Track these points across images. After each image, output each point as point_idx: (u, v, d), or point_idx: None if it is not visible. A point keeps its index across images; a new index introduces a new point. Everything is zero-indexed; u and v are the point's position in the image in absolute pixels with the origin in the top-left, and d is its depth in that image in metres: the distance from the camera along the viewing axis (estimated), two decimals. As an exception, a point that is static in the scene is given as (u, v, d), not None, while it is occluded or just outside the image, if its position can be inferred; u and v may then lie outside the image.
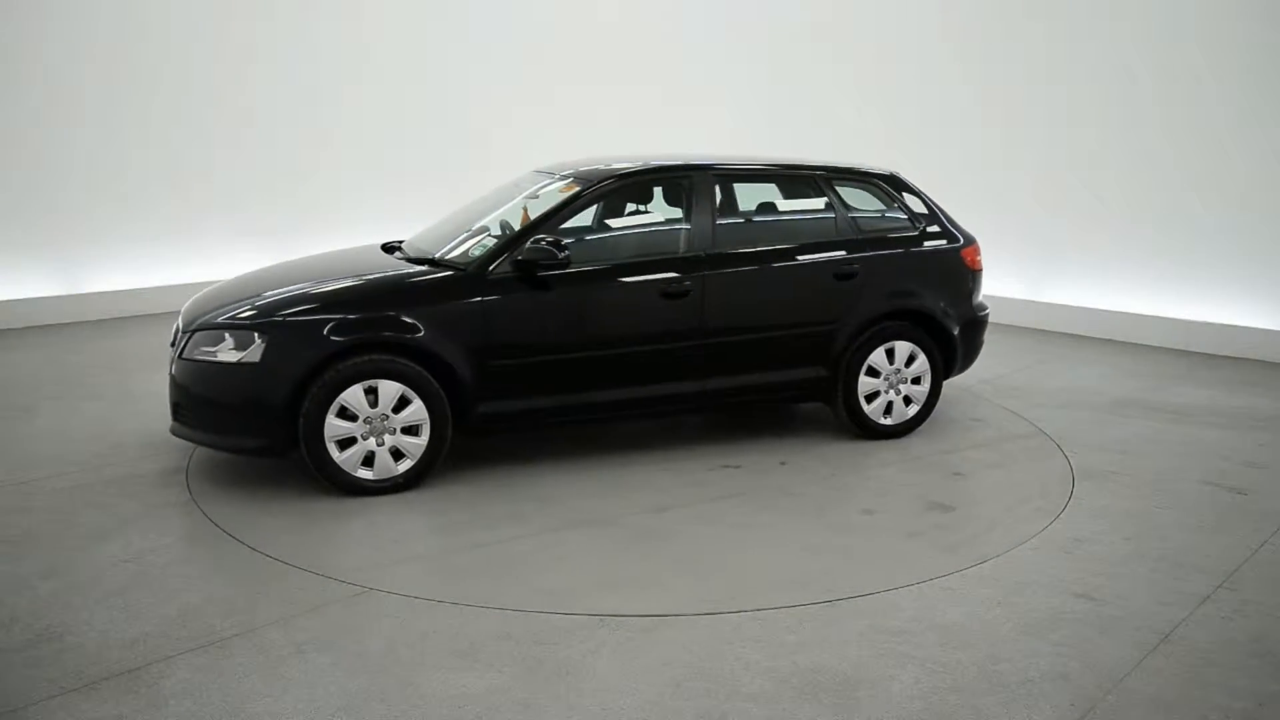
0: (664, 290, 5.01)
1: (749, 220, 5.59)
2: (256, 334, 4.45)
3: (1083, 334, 8.58)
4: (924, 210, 5.82)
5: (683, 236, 5.20)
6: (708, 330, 5.11)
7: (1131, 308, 8.42)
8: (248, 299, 4.74)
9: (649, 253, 5.21)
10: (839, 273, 5.40)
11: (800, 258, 5.38)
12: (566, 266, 4.77)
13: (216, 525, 4.26)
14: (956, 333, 5.67)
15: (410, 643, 3.32)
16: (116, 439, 5.38)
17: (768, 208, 5.67)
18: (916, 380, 5.61)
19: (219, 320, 4.61)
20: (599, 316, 4.99)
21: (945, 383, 5.82)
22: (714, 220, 5.25)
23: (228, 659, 3.20)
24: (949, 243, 5.76)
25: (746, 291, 5.24)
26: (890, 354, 5.51)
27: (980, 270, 5.90)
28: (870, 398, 5.52)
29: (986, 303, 6.04)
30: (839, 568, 3.97)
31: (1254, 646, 3.39)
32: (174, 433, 4.73)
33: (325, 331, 4.45)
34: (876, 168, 5.85)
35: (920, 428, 5.72)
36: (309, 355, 4.40)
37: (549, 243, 4.74)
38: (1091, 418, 6.11)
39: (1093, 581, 3.87)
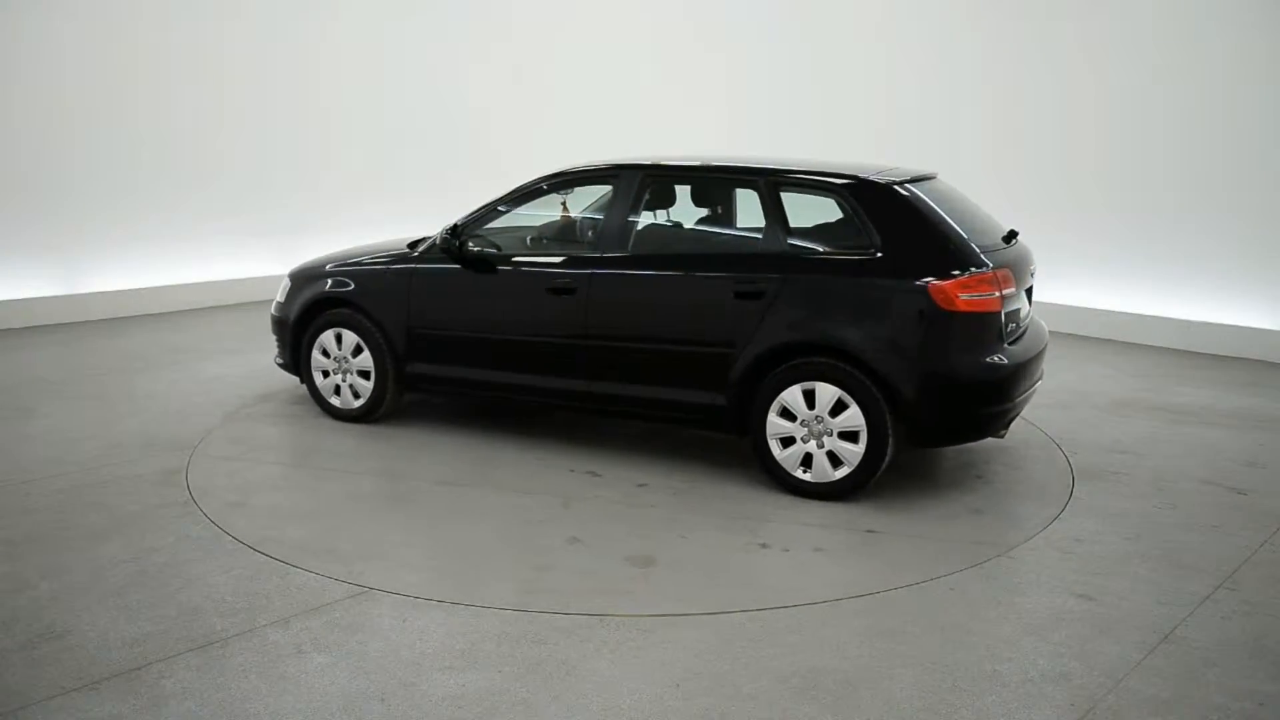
0: (550, 286, 5.09)
1: (670, 225, 5.39)
2: (287, 279, 6.00)
3: (1083, 334, 8.58)
4: (902, 227, 4.57)
5: (599, 237, 5.15)
6: (590, 332, 5.02)
7: (1131, 308, 8.42)
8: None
9: (555, 249, 5.47)
10: (741, 291, 4.67)
11: (697, 268, 4.91)
12: (459, 254, 5.33)
13: (216, 525, 4.26)
14: (911, 388, 4.39)
15: (410, 643, 3.33)
16: (116, 439, 5.38)
17: (706, 212, 5.43)
18: (850, 436, 4.53)
19: (289, 271, 6.10)
20: (492, 304, 5.36)
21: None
22: (627, 221, 5.06)
23: (228, 659, 3.20)
24: (917, 272, 4.42)
25: (631, 297, 4.99)
26: (810, 397, 4.56)
27: (973, 313, 4.38)
28: (788, 442, 4.65)
29: (1006, 359, 4.49)
30: (395, 570, 3.87)
31: (1254, 646, 3.40)
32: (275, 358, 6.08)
33: (307, 287, 5.80)
34: (837, 171, 4.81)
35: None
36: (298, 302, 5.79)
37: (450, 232, 5.35)
38: (1091, 418, 6.11)
39: (1093, 581, 3.87)
